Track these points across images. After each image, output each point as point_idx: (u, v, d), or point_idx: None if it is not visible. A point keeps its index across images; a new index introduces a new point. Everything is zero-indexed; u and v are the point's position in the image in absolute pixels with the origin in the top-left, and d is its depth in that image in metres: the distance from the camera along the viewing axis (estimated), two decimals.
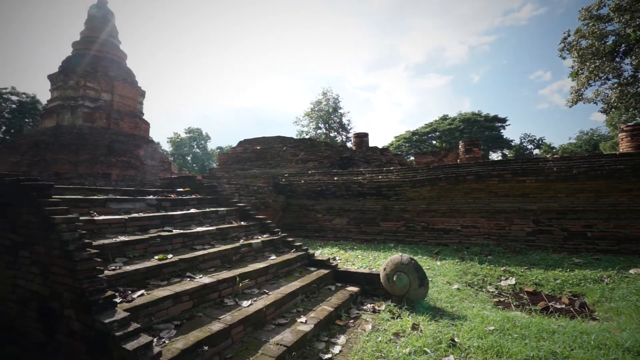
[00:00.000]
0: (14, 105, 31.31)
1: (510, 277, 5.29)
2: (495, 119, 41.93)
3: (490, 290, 4.96)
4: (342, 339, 3.10)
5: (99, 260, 2.56)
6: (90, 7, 16.29)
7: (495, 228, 7.27)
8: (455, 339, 2.89)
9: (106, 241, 3.16)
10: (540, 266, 5.65)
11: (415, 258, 5.22)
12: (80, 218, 2.97)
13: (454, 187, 7.69)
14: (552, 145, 45.96)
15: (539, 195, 6.98)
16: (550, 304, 4.33)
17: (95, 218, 3.49)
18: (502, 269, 5.62)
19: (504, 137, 42.27)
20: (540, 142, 46.72)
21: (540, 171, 6.88)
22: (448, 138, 41.60)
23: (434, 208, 7.95)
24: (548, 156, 7.29)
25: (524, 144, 46.97)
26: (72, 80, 14.71)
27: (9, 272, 2.89)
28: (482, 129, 40.73)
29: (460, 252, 6.83)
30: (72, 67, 14.90)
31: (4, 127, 30.73)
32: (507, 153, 43.61)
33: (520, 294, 4.79)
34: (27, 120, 31.35)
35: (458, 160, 15.38)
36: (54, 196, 2.96)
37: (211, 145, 51.04)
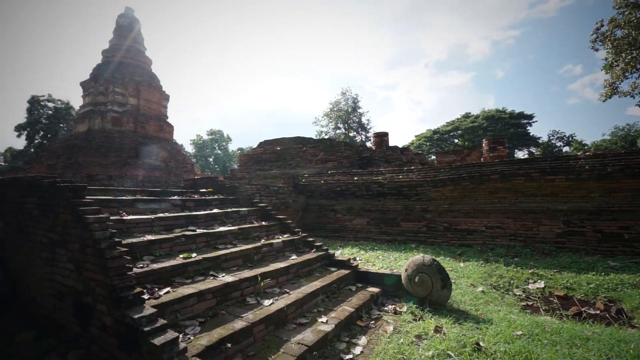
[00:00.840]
0: (50, 112, 33.30)
1: (539, 280, 5.07)
2: (521, 115, 40.34)
3: (517, 293, 4.78)
4: (363, 340, 3.08)
5: (128, 258, 2.67)
6: (118, 16, 17.05)
7: (522, 229, 6.99)
8: (481, 343, 2.80)
9: (134, 240, 3.29)
10: (571, 269, 5.38)
11: (438, 259, 5.10)
12: (111, 217, 3.11)
13: (478, 187, 7.46)
14: (583, 142, 43.65)
15: (570, 195, 6.64)
16: (583, 309, 4.11)
17: (124, 218, 3.64)
18: (529, 271, 5.40)
19: (531, 134, 40.62)
20: (570, 139, 44.51)
21: (571, 169, 6.55)
22: (471, 136, 40.43)
23: (456, 208, 7.74)
24: (579, 154, 6.92)
25: (553, 142, 44.89)
26: (101, 86, 15.44)
27: (47, 269, 3.07)
28: (506, 127, 39.31)
29: (485, 254, 6.62)
30: (102, 73, 15.64)
31: (41, 132, 32.71)
32: (534, 151, 41.86)
33: (550, 298, 4.57)
34: (61, 125, 33.22)
35: (482, 159, 14.91)
36: (86, 197, 3.12)
37: (232, 147, 52.09)
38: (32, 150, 31.75)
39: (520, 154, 41.08)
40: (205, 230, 4.14)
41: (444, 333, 3.08)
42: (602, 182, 6.32)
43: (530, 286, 4.95)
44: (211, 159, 48.50)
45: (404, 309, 3.83)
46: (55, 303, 2.98)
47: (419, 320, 3.50)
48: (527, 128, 40.63)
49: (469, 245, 7.30)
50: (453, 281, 4.86)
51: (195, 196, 5.48)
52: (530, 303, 4.46)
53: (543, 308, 4.26)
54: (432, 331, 3.13)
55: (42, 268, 3.15)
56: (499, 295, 4.63)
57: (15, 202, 3.62)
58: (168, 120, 17.58)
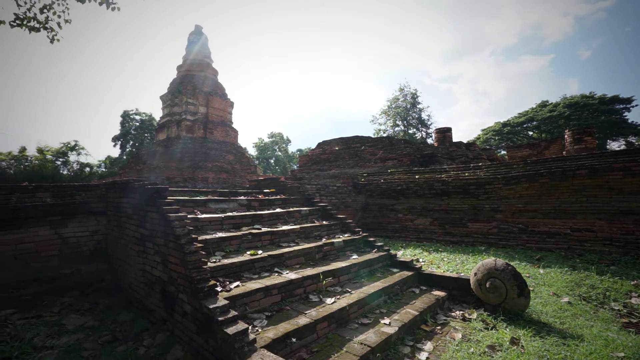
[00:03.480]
0: (137, 124, 38.36)
1: None
2: (615, 100, 34.45)
3: (616, 308, 4.10)
4: (428, 346, 2.94)
5: (203, 253, 2.93)
6: (189, 34, 18.87)
7: (619, 232, 5.99)
8: None
9: (207, 236, 3.61)
10: None
11: (512, 264, 4.62)
12: (188, 216, 3.46)
13: (560, 184, 6.60)
14: None
15: None
16: None
17: (199, 216, 4.01)
18: (632, 282, 4.60)
19: (629, 121, 34.45)
20: None
21: None
22: (548, 127, 35.90)
23: (533, 208, 6.95)
24: None
25: None
26: (177, 98, 17.26)
27: (140, 260, 3.53)
28: (595, 114, 33.97)
29: (571, 260, 5.82)
30: (177, 87, 17.47)
31: (131, 142, 37.80)
32: (633, 141, 35.49)
33: None
34: (146, 134, 37.97)
35: (564, 152, 13.17)
36: (167, 197, 3.51)
37: (291, 148, 53.89)
38: (124, 157, 36.85)
39: (615, 145, 35.18)
40: (269, 229, 4.35)
41: (522, 346, 2.79)
42: None
43: (633, 300, 4.22)
44: (272, 161, 50.82)
45: (474, 315, 3.56)
46: (146, 290, 3.41)
47: (491, 329, 3.22)
48: (624, 114, 34.56)
49: (549, 249, 6.50)
50: (531, 289, 4.38)
51: (260, 196, 5.79)
52: (634, 320, 3.80)
53: None
54: (507, 342, 2.86)
55: (135, 259, 3.63)
56: (591, 309, 4.03)
57: (115, 202, 4.23)
58: (233, 125, 18.92)
